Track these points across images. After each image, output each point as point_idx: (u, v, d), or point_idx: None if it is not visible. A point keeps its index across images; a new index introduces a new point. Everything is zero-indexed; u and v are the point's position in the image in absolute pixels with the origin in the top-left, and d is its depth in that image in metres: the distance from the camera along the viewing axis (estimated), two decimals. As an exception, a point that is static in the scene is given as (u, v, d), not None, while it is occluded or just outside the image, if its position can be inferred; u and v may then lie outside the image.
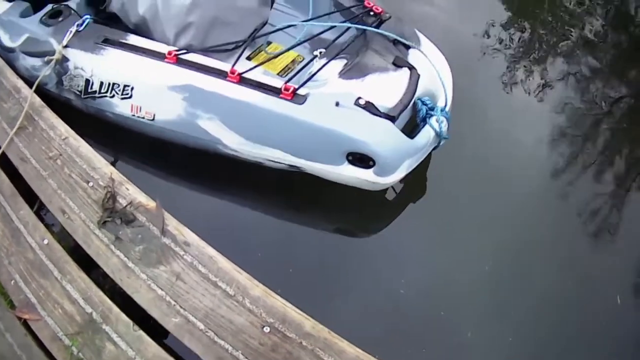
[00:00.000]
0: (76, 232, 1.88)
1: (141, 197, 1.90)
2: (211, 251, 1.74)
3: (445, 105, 2.32)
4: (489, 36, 3.60)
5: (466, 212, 2.49)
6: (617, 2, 4.04)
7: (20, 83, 2.38)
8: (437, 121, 2.24)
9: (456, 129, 2.41)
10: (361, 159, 2.09)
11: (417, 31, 2.58)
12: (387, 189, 2.41)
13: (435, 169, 2.58)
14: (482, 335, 2.13)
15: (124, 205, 1.88)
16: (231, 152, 2.29)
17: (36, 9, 2.69)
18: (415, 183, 2.54)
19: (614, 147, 2.97)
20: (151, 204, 1.87)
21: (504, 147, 2.81)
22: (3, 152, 2.17)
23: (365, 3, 2.65)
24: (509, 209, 2.52)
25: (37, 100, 2.29)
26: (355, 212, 2.47)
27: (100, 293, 1.75)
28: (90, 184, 1.97)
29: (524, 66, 3.41)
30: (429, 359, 2.07)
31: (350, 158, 2.11)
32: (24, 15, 2.66)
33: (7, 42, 2.60)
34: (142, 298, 1.70)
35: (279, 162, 2.24)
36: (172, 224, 1.82)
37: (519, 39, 3.62)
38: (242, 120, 2.19)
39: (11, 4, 2.70)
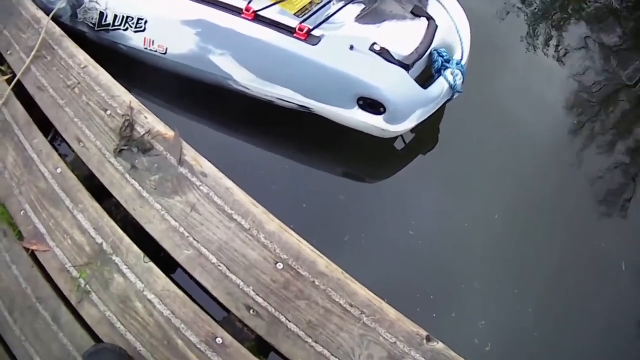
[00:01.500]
0: (91, 160, 1.86)
1: (159, 126, 1.86)
2: (228, 183, 1.70)
3: (462, 59, 2.31)
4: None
5: (477, 164, 2.51)
6: None
7: (40, 13, 2.35)
8: (451, 74, 2.21)
9: (472, 81, 2.39)
10: (372, 104, 2.09)
11: None
12: (396, 137, 2.40)
13: (448, 120, 2.56)
14: (488, 285, 2.15)
15: (142, 133, 1.84)
16: (241, 89, 2.29)
17: None
18: (427, 133, 2.52)
19: (630, 119, 2.92)
20: (169, 133, 1.83)
21: (519, 105, 2.76)
22: (19, 81, 2.15)
23: None
24: (520, 165, 2.53)
25: (57, 30, 2.27)
26: (368, 155, 2.46)
27: (112, 223, 1.72)
28: (108, 112, 1.94)
29: (547, 26, 3.32)
30: (435, 305, 2.07)
31: (360, 102, 2.11)
32: None
33: None
34: (154, 229, 1.67)
35: (289, 102, 2.23)
36: (190, 154, 1.78)
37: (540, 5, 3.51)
38: (254, 57, 2.19)
39: None
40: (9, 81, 2.19)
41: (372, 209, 2.30)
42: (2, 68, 2.29)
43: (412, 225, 2.26)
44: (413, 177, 2.44)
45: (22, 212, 1.84)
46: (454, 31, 2.36)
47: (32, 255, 1.76)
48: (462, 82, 2.26)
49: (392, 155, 2.49)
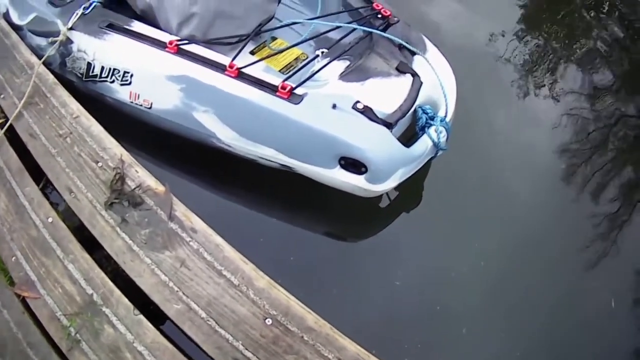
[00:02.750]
0: (82, 211, 1.97)
1: (150, 181, 1.98)
2: (218, 239, 1.82)
3: (446, 116, 2.37)
4: (499, 44, 3.74)
5: (463, 216, 2.63)
6: (633, 17, 4.08)
7: (34, 59, 2.48)
8: (435, 131, 2.28)
9: (458, 137, 2.50)
10: (354, 164, 2.15)
11: (424, 37, 2.66)
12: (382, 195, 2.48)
13: (433, 176, 2.69)
14: (476, 331, 2.26)
15: (133, 187, 1.97)
16: (225, 147, 2.35)
17: None
18: (412, 189, 2.65)
19: (616, 164, 3.10)
20: (160, 188, 1.96)
21: (505, 159, 2.93)
22: (12, 127, 2.28)
23: (374, 5, 2.73)
24: (507, 214, 2.67)
25: (50, 77, 2.40)
26: (355, 210, 2.55)
27: (103, 275, 1.83)
28: (100, 164, 2.06)
29: (533, 77, 3.54)
30: (423, 355, 2.18)
31: (342, 162, 2.16)
32: None
33: (16, 20, 2.73)
34: (144, 282, 1.78)
35: (272, 161, 2.30)
36: (180, 209, 1.90)
37: (531, 48, 3.77)
38: (237, 115, 2.25)
39: None
40: (1, 125, 2.30)
41: (359, 262, 2.42)
42: (-5, 113, 2.38)
43: (398, 276, 2.37)
44: (399, 230, 2.57)
45: (13, 258, 1.94)
46: (439, 87, 2.42)
47: (23, 301, 1.85)
48: (447, 139, 2.33)
49: (378, 209, 2.60)
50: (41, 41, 2.62)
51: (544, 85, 3.50)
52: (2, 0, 2.83)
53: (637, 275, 2.61)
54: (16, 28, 2.70)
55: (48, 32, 2.58)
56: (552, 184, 2.93)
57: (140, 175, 2.00)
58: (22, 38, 2.64)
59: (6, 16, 2.79)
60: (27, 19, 2.68)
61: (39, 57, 2.49)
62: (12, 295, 1.87)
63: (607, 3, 4.36)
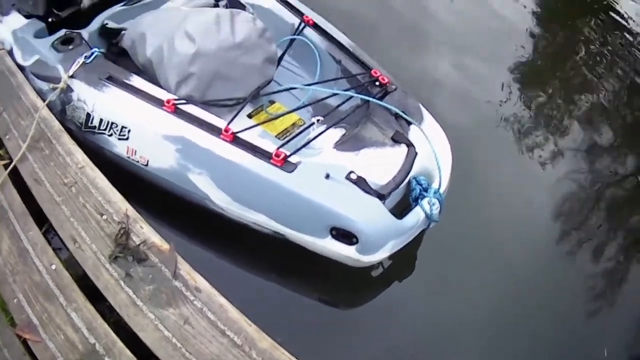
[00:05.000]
0: (86, 262, 2.15)
1: (155, 238, 2.19)
2: (221, 300, 2.01)
3: (440, 187, 2.47)
4: (497, 107, 4.00)
5: (456, 289, 2.81)
6: (633, 74, 4.52)
7: (40, 102, 2.67)
8: (429, 203, 2.38)
9: (452, 206, 2.66)
10: (345, 235, 2.24)
11: (421, 106, 2.81)
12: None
13: (427, 245, 2.85)
14: None
15: (137, 243, 2.17)
16: (218, 210, 2.48)
17: (51, 31, 2.99)
18: (404, 259, 2.81)
19: (614, 224, 3.37)
20: (165, 246, 2.16)
21: (501, 224, 3.14)
22: (16, 168, 2.46)
23: (373, 71, 2.90)
24: (501, 284, 2.86)
25: (56, 124, 2.60)
26: (353, 277, 2.69)
27: (106, 326, 2.00)
28: (104, 217, 2.26)
29: (531, 136, 3.82)
30: None
31: (333, 233, 2.26)
32: (38, 35, 2.96)
33: (20, 60, 2.91)
34: (148, 337, 1.95)
35: (264, 227, 2.42)
36: (185, 268, 2.10)
37: (529, 110, 4.05)
38: (231, 180, 2.37)
39: (28, 21, 3.02)
40: (5, 166, 2.48)
41: (357, 327, 2.62)
42: (1, 152, 2.57)
43: (392, 341, 2.57)
44: (392, 298, 2.73)
45: (15, 300, 2.10)
46: (434, 158, 2.53)
47: (24, 343, 2.00)
48: (440, 211, 2.43)
49: (371, 278, 2.77)
50: (43, 85, 2.80)
51: (542, 145, 3.76)
52: (7, 36, 3.00)
53: (629, 328, 2.90)
54: (20, 68, 2.88)
55: (50, 77, 2.75)
56: (548, 246, 3.16)
57: (145, 232, 2.20)
58: (26, 78, 2.82)
59: (11, 54, 2.97)
60: (30, 60, 2.86)
61: (42, 100, 2.66)
62: (13, 336, 2.03)
63: (608, 60, 4.71)
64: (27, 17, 3.06)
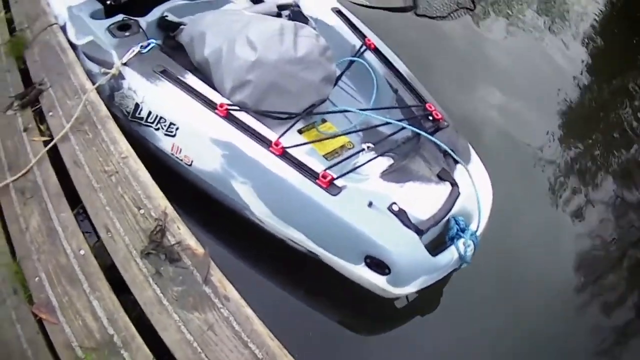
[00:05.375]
0: (116, 253, 2.16)
1: (191, 240, 2.19)
2: (249, 311, 2.01)
3: (477, 230, 2.48)
4: (537, 152, 4.04)
5: (478, 332, 2.79)
6: None
7: (88, 85, 2.71)
8: (464, 244, 2.38)
9: (481, 246, 2.63)
10: (378, 265, 2.24)
11: (470, 147, 2.83)
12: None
13: (454, 285, 2.86)
14: None
15: (172, 243, 2.17)
16: (257, 221, 2.50)
17: (107, 14, 3.04)
18: (430, 295, 2.82)
19: (632, 287, 3.35)
20: (199, 250, 2.16)
21: (523, 275, 3.11)
22: (55, 147, 2.48)
23: (427, 105, 2.87)
24: (521, 331, 2.86)
25: (103, 109, 2.63)
26: (380, 306, 2.72)
27: (127, 319, 1.99)
28: (142, 211, 2.27)
29: (564, 190, 3.83)
30: None
31: (368, 260, 2.26)
32: (94, 16, 3.02)
33: (72, 38, 2.97)
34: (169, 337, 1.95)
35: (300, 245, 2.43)
36: (217, 275, 2.10)
37: (567, 158, 4.09)
38: (274, 194, 2.39)
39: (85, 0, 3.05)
40: (45, 143, 2.49)
41: (377, 353, 2.65)
42: (42, 127, 2.59)
43: None
44: (413, 331, 2.77)
45: (37, 278, 2.11)
46: (475, 200, 2.52)
47: (40, 322, 2.00)
48: (473, 253, 2.43)
49: (395, 308, 2.79)
50: (93, 67, 2.83)
51: (575, 196, 3.76)
52: (62, 11, 3.05)
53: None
54: (72, 46, 2.91)
55: (101, 61, 2.79)
56: (567, 298, 3.15)
57: (182, 233, 2.20)
58: (77, 57, 2.85)
59: (63, 29, 3.00)
60: (83, 40, 2.90)
61: (92, 82, 2.69)
62: (29, 313, 2.03)
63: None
64: None
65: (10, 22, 3.43)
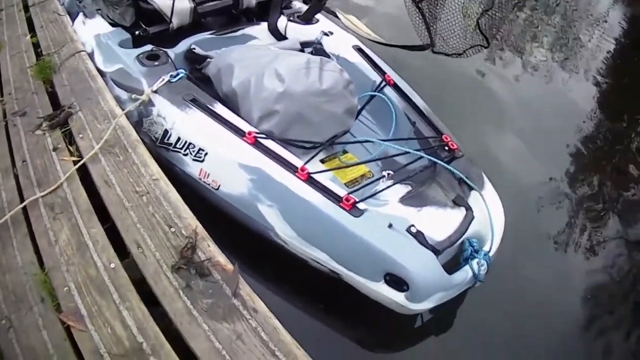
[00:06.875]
0: (146, 267, 2.27)
1: (220, 257, 2.31)
2: (276, 323, 2.11)
3: (490, 250, 2.60)
4: (550, 187, 4.19)
5: (489, 348, 2.92)
6: None
7: (119, 110, 2.88)
8: (477, 264, 2.51)
9: (497, 269, 2.75)
10: (397, 282, 2.36)
11: (483, 174, 3.02)
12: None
13: (468, 305, 3.00)
14: None
15: (202, 259, 2.29)
16: (280, 242, 2.63)
17: (135, 44, 3.26)
18: (445, 314, 2.98)
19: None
20: (229, 266, 2.28)
21: (529, 305, 3.20)
22: (85, 166, 2.62)
23: (444, 136, 3.07)
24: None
25: (133, 134, 2.80)
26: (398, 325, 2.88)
27: (156, 328, 2.08)
28: (172, 229, 2.40)
29: (574, 227, 3.92)
30: None
31: (387, 278, 2.38)
32: (122, 45, 3.24)
33: (100, 65, 3.19)
34: (198, 346, 2.05)
35: (323, 265, 2.55)
36: (245, 289, 2.21)
37: (578, 196, 4.21)
38: (300, 216, 2.52)
39: (113, 29, 3.31)
40: (74, 163, 2.64)
41: None
42: (71, 149, 2.74)
43: None
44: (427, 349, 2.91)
45: (65, 288, 2.20)
46: (489, 223, 2.67)
47: (67, 329, 2.08)
48: (486, 272, 2.54)
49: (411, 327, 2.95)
50: (122, 93, 3.03)
51: (585, 232, 3.84)
52: (89, 39, 3.26)
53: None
54: (100, 73, 3.11)
55: (131, 88, 2.99)
56: (572, 333, 3.23)
57: (212, 250, 2.33)
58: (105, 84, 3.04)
59: (91, 56, 3.21)
60: (112, 67, 3.12)
61: (121, 108, 2.86)
62: (56, 320, 2.11)
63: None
64: (112, 24, 3.34)
65: (36, 45, 3.64)
